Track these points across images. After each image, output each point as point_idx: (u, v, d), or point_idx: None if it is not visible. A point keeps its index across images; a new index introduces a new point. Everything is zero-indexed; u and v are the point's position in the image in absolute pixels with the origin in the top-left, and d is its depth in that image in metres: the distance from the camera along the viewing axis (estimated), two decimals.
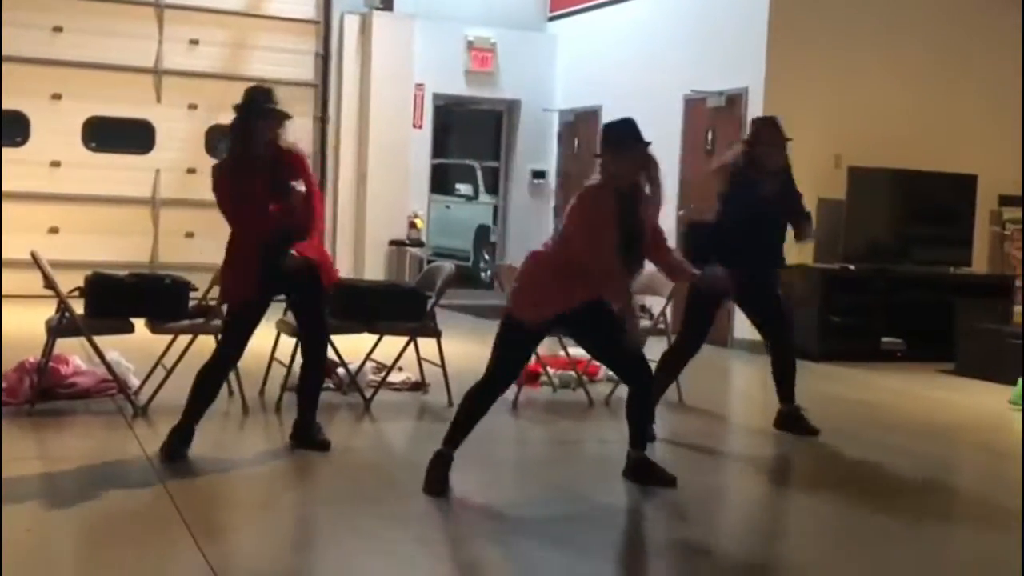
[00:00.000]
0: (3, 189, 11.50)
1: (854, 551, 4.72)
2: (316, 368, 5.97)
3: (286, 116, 5.67)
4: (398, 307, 7.06)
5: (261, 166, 5.56)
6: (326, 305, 6.03)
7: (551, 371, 7.82)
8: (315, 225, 5.73)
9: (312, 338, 5.96)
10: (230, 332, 5.74)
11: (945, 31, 11.05)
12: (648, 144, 5.24)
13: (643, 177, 5.24)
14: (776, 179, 6.58)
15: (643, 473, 5.42)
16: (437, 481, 5.09)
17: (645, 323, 7.67)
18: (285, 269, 5.55)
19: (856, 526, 5.11)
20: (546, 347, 7.81)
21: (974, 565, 4.73)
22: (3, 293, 10.41)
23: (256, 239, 5.55)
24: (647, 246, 5.33)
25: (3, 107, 11.66)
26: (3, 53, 11.57)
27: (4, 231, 11.10)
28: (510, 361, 5.31)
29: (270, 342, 7.09)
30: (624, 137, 5.24)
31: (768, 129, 6.67)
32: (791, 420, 6.78)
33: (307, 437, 5.87)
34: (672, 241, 6.57)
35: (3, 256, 10.77)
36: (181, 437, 5.53)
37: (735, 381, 9.52)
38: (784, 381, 6.78)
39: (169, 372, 6.44)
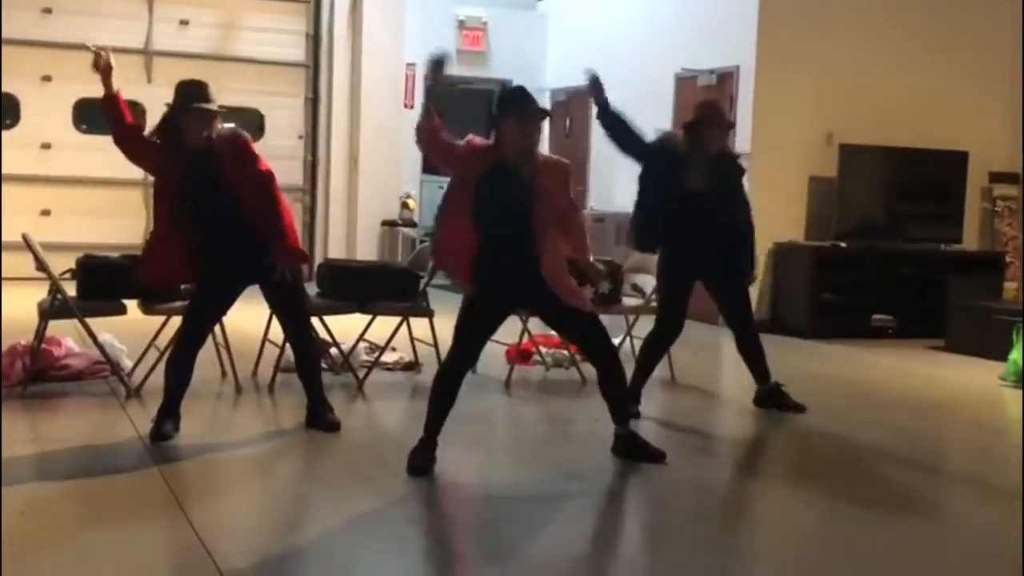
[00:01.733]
0: None
1: (844, 528, 4.75)
2: (304, 349, 5.98)
3: (214, 114, 5.53)
4: (391, 287, 7.08)
5: (191, 159, 5.51)
6: (301, 284, 5.96)
7: (544, 350, 7.84)
8: (285, 218, 5.68)
9: (291, 321, 5.95)
10: (192, 314, 5.75)
11: (936, 8, 11.03)
12: (538, 114, 5.13)
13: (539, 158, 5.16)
14: (710, 167, 6.43)
15: (631, 449, 5.45)
16: (420, 467, 5.10)
17: (637, 302, 7.72)
18: (278, 279, 5.63)
19: (847, 502, 5.14)
20: (539, 327, 7.84)
21: (968, 542, 4.76)
22: None
23: (172, 225, 5.57)
24: (543, 227, 5.11)
25: None
26: None
27: None
28: (468, 338, 5.24)
29: (263, 323, 7.10)
30: (508, 105, 5.14)
31: (712, 110, 6.63)
32: (772, 396, 6.80)
33: (317, 418, 5.89)
34: None
35: None
36: (166, 418, 5.55)
37: (725, 359, 9.54)
38: (755, 364, 6.79)
39: (162, 354, 6.43)
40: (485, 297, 5.18)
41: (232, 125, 5.74)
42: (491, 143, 5.16)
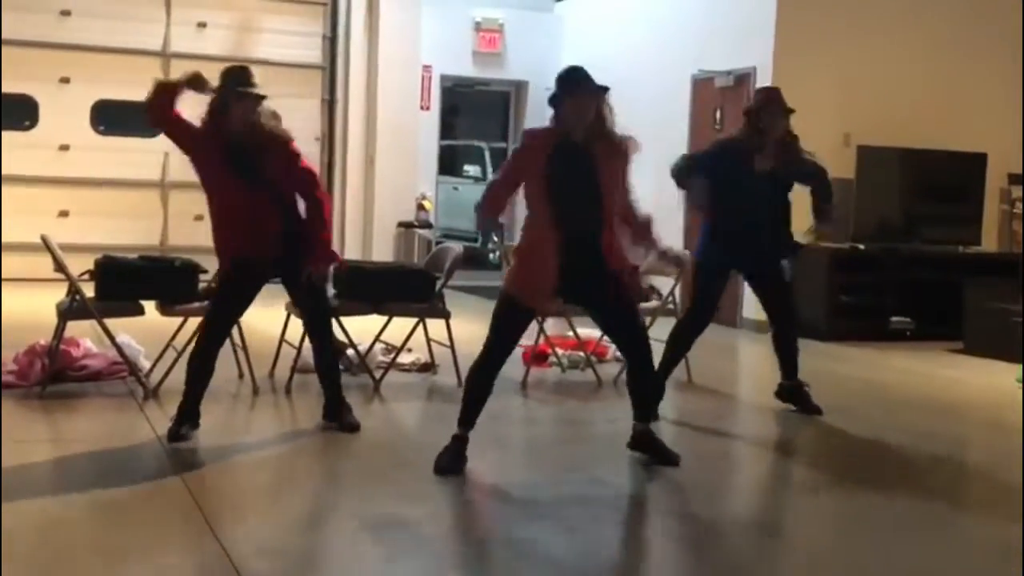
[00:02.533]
0: (14, 173, 11.54)
1: (862, 529, 4.73)
2: (323, 346, 5.99)
3: (260, 98, 5.64)
4: (407, 289, 7.08)
5: (235, 147, 5.58)
6: (324, 284, 5.98)
7: (560, 352, 7.83)
8: (326, 218, 5.80)
9: (312, 317, 5.97)
10: (215, 310, 5.78)
11: (954, 9, 10.99)
12: (599, 89, 5.14)
13: (607, 128, 5.17)
14: (774, 151, 6.50)
15: (647, 445, 5.44)
16: (449, 461, 5.12)
17: (654, 304, 7.70)
18: (308, 281, 5.70)
19: (865, 504, 5.12)
20: (555, 328, 7.84)
21: (983, 543, 4.74)
22: (14, 277, 10.47)
23: (222, 211, 5.63)
24: (613, 208, 5.19)
25: (12, 91, 11.70)
26: (12, 37, 11.58)
27: (14, 215, 11.14)
28: (507, 334, 5.26)
29: (280, 324, 7.12)
30: (566, 83, 5.18)
31: (772, 96, 6.64)
32: (793, 393, 6.79)
33: (337, 417, 5.90)
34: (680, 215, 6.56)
35: (14, 240, 10.82)
36: (185, 418, 5.56)
37: (743, 360, 9.53)
38: (786, 359, 6.78)
39: (179, 354, 6.46)
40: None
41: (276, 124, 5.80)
42: (552, 127, 5.21)
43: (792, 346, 6.76)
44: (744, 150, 6.49)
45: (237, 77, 5.62)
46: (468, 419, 5.22)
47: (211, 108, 5.66)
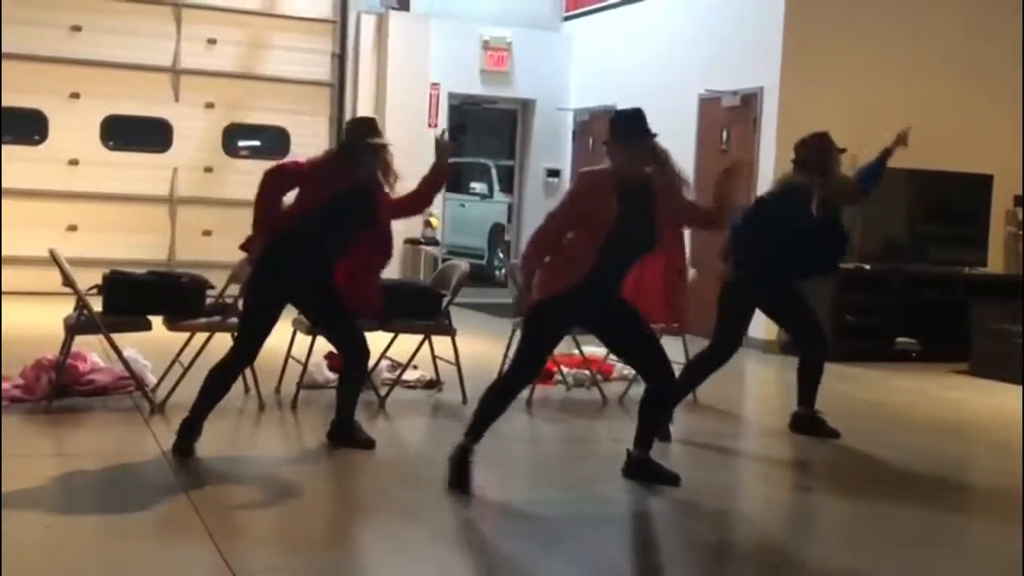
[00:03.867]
0: (23, 187, 11.62)
1: (870, 551, 4.73)
2: (359, 369, 5.96)
3: (383, 147, 5.97)
4: (413, 305, 7.09)
5: (347, 191, 5.76)
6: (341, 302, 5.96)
7: (565, 370, 7.84)
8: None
9: (349, 346, 5.92)
10: (245, 330, 5.77)
11: (961, 31, 11.02)
12: (654, 136, 5.20)
13: (655, 170, 5.24)
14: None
15: (644, 472, 5.43)
16: (461, 475, 5.13)
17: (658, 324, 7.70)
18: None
19: (872, 526, 5.12)
20: (560, 346, 7.84)
21: (993, 560, 4.74)
22: (22, 291, 10.52)
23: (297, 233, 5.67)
24: (661, 241, 5.33)
25: (22, 105, 11.79)
26: (22, 52, 11.67)
27: (23, 228, 11.20)
28: (536, 352, 5.32)
29: (286, 340, 7.13)
30: (630, 129, 5.21)
31: (829, 139, 6.77)
32: (809, 423, 6.77)
33: (348, 435, 5.89)
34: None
35: (23, 254, 10.87)
36: (189, 431, 5.56)
37: (749, 381, 9.52)
38: (808, 384, 6.77)
39: (186, 370, 6.48)
40: (567, 312, 5.23)
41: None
42: (608, 169, 5.24)
43: (819, 374, 6.75)
44: (807, 196, 6.51)
45: (369, 127, 5.93)
46: (479, 433, 5.22)
47: (341, 155, 5.92)
